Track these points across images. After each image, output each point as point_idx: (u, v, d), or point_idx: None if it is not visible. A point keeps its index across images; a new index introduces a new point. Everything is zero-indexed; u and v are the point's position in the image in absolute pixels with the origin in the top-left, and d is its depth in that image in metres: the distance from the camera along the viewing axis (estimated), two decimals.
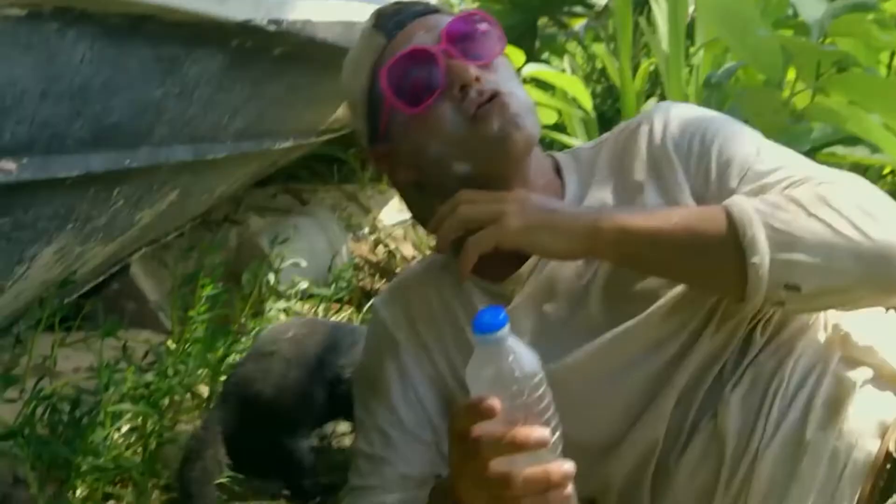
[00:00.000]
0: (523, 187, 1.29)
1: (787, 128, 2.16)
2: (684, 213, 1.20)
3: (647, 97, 3.95)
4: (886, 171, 3.17)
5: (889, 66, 3.03)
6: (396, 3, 1.39)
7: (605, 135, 1.45)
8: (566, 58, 4.49)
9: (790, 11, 2.80)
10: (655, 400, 1.27)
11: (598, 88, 5.01)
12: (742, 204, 1.14)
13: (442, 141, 1.28)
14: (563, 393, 1.08)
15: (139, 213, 1.96)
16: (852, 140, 2.35)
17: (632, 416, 1.28)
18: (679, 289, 1.25)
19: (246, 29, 1.65)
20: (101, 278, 2.42)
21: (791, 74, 2.42)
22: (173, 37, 1.53)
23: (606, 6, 5.62)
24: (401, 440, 1.34)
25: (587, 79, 5.13)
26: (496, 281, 1.34)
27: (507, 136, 1.26)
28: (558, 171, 1.40)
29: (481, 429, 0.99)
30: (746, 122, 2.12)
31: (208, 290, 1.95)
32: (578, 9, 5.65)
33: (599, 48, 4.86)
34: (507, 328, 1.02)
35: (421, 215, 1.41)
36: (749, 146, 1.29)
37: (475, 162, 1.28)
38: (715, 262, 1.16)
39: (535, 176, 1.34)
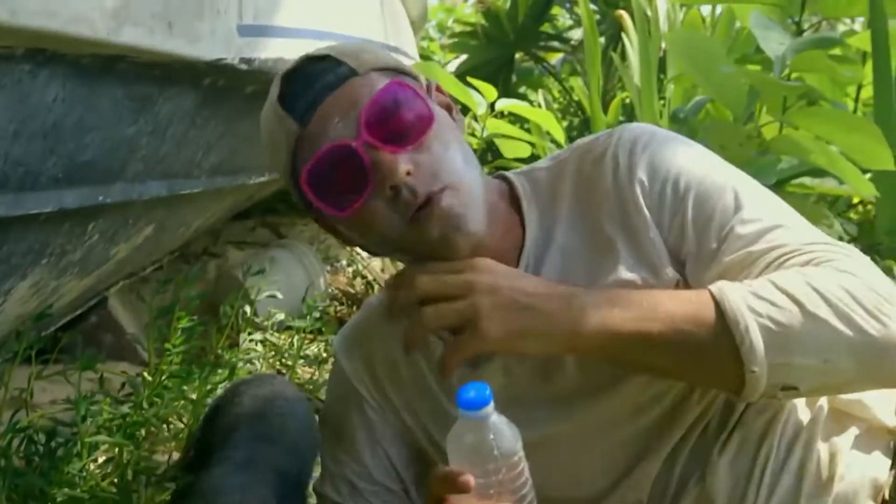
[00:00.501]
0: (479, 248, 1.18)
1: (753, 160, 2.19)
2: (671, 309, 1.06)
3: None
4: (856, 201, 3.23)
5: (856, 100, 3.08)
6: (302, 74, 1.20)
7: (562, 153, 1.33)
8: (540, 92, 4.54)
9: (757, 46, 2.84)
10: (639, 462, 1.24)
11: (575, 121, 5.06)
12: (735, 301, 1.03)
13: (379, 235, 1.19)
14: (543, 453, 1.09)
15: (115, 247, 1.97)
16: (819, 172, 2.39)
17: (615, 476, 1.25)
18: None
19: (217, 68, 1.65)
20: (78, 311, 2.42)
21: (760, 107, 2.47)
22: (145, 76, 1.54)
23: (582, 41, 5.70)
24: (369, 491, 1.33)
25: (563, 111, 5.19)
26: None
27: (448, 242, 1.15)
28: (514, 198, 1.30)
29: (454, 501, 1.00)
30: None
31: (184, 323, 1.95)
32: (555, 43, 5.72)
33: (575, 81, 4.92)
34: (491, 406, 1.01)
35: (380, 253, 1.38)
36: (727, 196, 1.18)
37: (417, 255, 1.19)
38: (709, 367, 1.08)
39: (490, 230, 1.20)
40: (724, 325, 1.03)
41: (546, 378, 1.24)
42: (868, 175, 2.49)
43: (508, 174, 1.34)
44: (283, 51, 1.87)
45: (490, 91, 2.82)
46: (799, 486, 1.18)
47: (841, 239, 2.44)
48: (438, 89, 1.27)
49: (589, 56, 3.47)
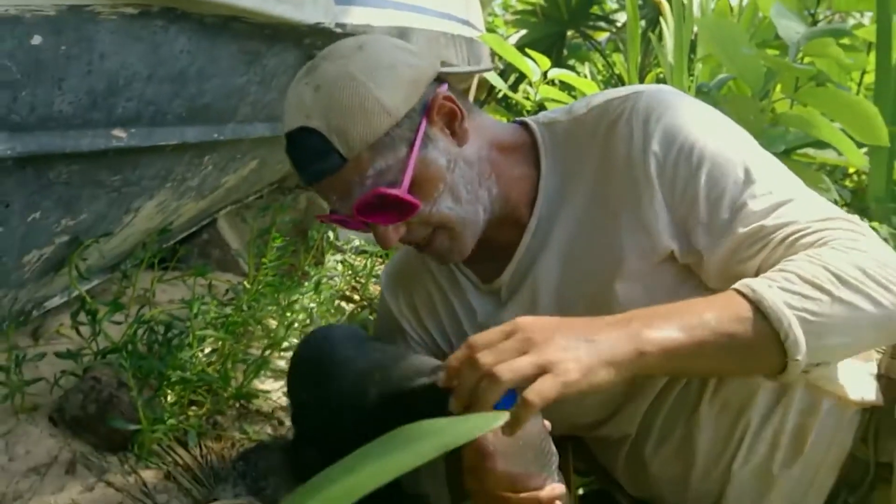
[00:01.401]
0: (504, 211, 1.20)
1: (764, 131, 2.15)
2: (717, 316, 0.97)
3: None
4: (852, 170, 3.16)
5: (859, 84, 3.00)
6: (298, 151, 1.12)
7: (579, 108, 1.23)
8: (587, 64, 4.46)
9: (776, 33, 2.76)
10: (627, 402, 1.22)
11: None
12: (773, 300, 0.96)
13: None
14: None
15: (225, 177, 2.00)
16: (822, 144, 2.34)
17: (609, 411, 1.25)
18: None
19: (316, 30, 1.65)
20: (193, 229, 2.46)
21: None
22: (256, 35, 1.55)
23: (625, 23, 5.60)
24: None
25: (606, 82, 5.11)
26: (485, 281, 1.27)
27: (447, 263, 1.24)
28: (533, 144, 1.23)
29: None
30: None
31: (278, 242, 1.98)
32: (602, 24, 5.62)
33: (618, 57, 4.84)
34: None
35: None
36: (739, 170, 1.10)
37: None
38: (754, 360, 1.01)
39: (509, 191, 1.20)
40: (766, 324, 0.97)
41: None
42: (864, 149, 2.44)
43: (530, 121, 1.26)
44: (371, 18, 1.87)
45: (544, 61, 2.79)
46: (772, 453, 1.16)
47: (836, 203, 2.41)
48: (447, 98, 1.15)
49: (630, 36, 3.41)
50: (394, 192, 1.09)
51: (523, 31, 5.25)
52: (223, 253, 2.50)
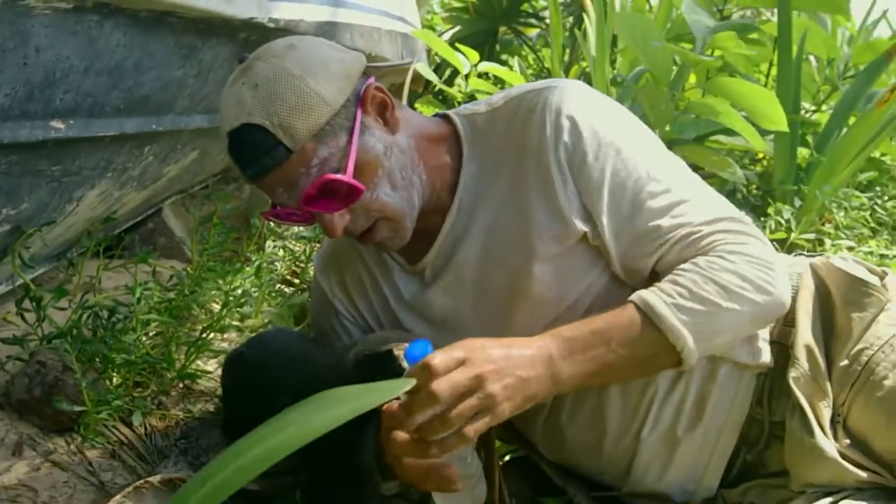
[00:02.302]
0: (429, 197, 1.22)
1: (675, 118, 2.18)
2: (617, 338, 1.06)
3: None
4: (760, 156, 3.23)
5: (767, 76, 3.07)
6: (242, 146, 1.12)
7: (496, 100, 1.26)
8: (516, 58, 4.47)
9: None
10: None
11: None
12: (668, 318, 1.06)
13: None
14: None
15: (167, 167, 1.96)
16: (732, 132, 2.40)
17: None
18: (570, 298, 1.18)
19: (249, 25, 1.63)
20: (139, 218, 2.42)
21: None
22: (191, 29, 1.53)
23: None
24: None
25: (536, 76, 5.13)
26: (411, 262, 1.28)
27: (387, 252, 1.25)
28: (454, 136, 1.25)
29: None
30: (643, 114, 2.16)
31: (218, 229, 1.96)
32: (532, 21, 5.63)
33: (546, 52, 4.86)
34: None
35: None
36: (641, 167, 1.16)
37: None
38: (654, 366, 1.12)
39: (427, 191, 1.22)
40: (663, 338, 1.06)
41: (475, 304, 1.23)
42: (771, 136, 2.51)
43: (451, 113, 1.28)
44: (304, 13, 1.85)
45: (473, 55, 2.79)
46: (677, 419, 1.18)
47: (744, 185, 2.47)
48: (378, 89, 1.17)
49: (553, 31, 3.43)
50: (340, 177, 1.10)
51: (458, 28, 5.24)
52: (168, 240, 2.46)
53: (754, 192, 2.58)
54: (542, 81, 1.25)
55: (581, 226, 1.15)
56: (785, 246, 2.13)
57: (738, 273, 1.08)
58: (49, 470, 1.41)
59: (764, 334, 1.21)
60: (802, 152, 2.56)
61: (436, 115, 1.32)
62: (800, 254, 1.28)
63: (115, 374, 1.63)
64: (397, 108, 1.20)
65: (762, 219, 2.19)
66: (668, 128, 2.08)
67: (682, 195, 1.16)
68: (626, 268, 1.16)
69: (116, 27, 1.35)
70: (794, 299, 1.20)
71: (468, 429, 0.97)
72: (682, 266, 1.11)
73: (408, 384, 0.61)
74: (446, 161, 1.24)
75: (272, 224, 2.40)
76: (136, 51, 1.43)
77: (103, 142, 1.51)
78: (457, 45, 2.89)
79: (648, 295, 1.08)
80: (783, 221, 2.13)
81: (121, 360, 1.60)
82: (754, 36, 2.69)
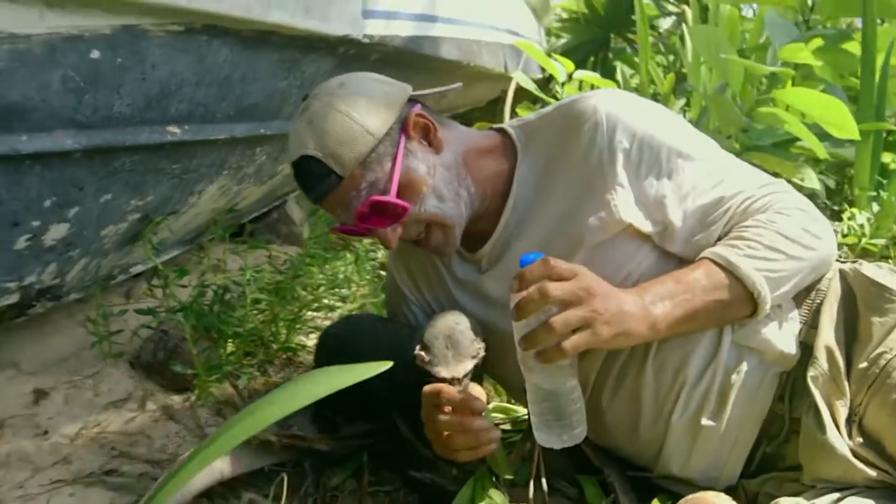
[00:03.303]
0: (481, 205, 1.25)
1: (744, 125, 2.11)
2: (704, 287, 1.09)
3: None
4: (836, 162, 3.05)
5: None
6: (302, 176, 1.19)
7: (548, 109, 1.29)
8: (619, 66, 4.37)
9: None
10: (591, 350, 1.19)
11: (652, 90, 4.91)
12: (745, 267, 1.08)
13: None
14: None
15: (280, 165, 2.07)
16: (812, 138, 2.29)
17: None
18: (617, 280, 1.15)
19: (345, 41, 1.69)
20: (265, 209, 2.55)
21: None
22: (292, 45, 1.60)
23: (666, 28, 5.49)
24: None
25: (641, 82, 5.02)
26: (469, 250, 1.30)
27: (441, 255, 1.27)
28: (509, 145, 1.28)
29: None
30: (702, 114, 2.08)
31: (323, 220, 2.04)
32: None
33: (660, 59, 4.75)
34: None
35: None
36: (690, 152, 1.18)
37: None
38: (732, 314, 1.12)
39: (478, 198, 1.25)
40: (741, 285, 1.09)
41: None
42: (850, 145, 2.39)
43: (505, 125, 1.32)
44: (397, 30, 1.90)
45: (568, 64, 2.77)
46: (703, 405, 1.16)
47: (821, 190, 2.36)
48: (420, 115, 1.21)
49: (641, 44, 3.31)
50: (384, 199, 1.16)
51: (569, 37, 5.18)
52: (289, 229, 2.57)
53: (833, 198, 2.45)
54: (592, 91, 1.27)
55: (626, 217, 1.16)
56: (856, 250, 2.02)
57: (797, 225, 1.12)
58: (164, 422, 1.53)
59: (794, 329, 1.18)
60: (886, 157, 2.41)
61: (490, 128, 1.35)
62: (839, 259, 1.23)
63: (228, 344, 1.73)
64: (442, 128, 1.25)
65: (837, 224, 2.09)
66: (732, 134, 2.01)
67: (730, 170, 1.20)
68: (694, 245, 1.17)
69: (223, 45, 1.44)
70: (820, 303, 1.17)
71: (567, 342, 0.99)
72: (744, 223, 1.14)
73: (383, 366, 0.65)
74: (499, 168, 1.27)
75: None
76: (242, 65, 1.51)
77: (216, 144, 1.61)
78: (552, 54, 2.87)
79: (720, 249, 1.11)
80: (857, 227, 2.02)
81: (231, 332, 1.71)
82: (849, 45, 2.55)
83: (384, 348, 1.30)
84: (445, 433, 1.07)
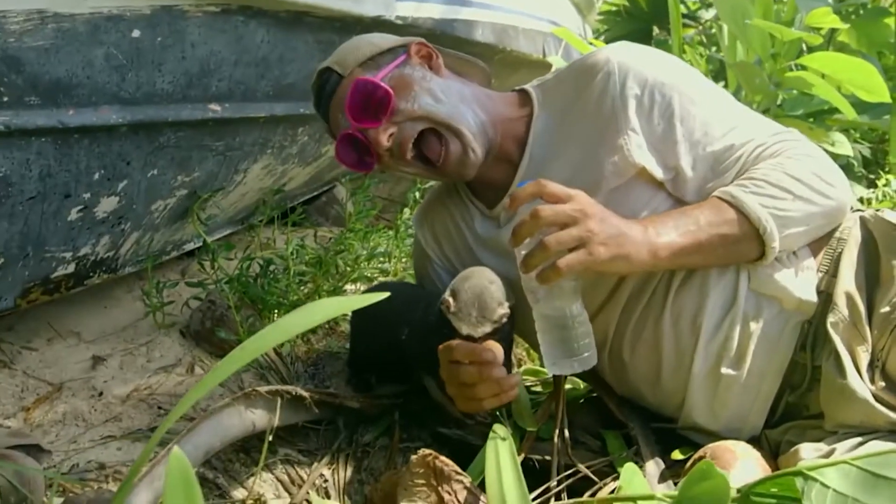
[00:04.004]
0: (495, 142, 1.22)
1: (775, 95, 2.03)
2: (709, 220, 1.06)
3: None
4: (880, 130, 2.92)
5: None
6: (316, 87, 1.25)
7: (563, 68, 1.29)
8: None
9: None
10: (605, 304, 1.21)
11: None
12: (751, 202, 1.05)
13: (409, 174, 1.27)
14: None
15: (324, 146, 2.07)
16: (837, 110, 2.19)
17: (595, 307, 1.20)
18: None
19: (379, 22, 1.68)
20: (316, 192, 2.56)
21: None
22: (327, 27, 1.59)
23: (708, 19, 5.34)
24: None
25: None
26: (489, 207, 1.29)
27: (464, 175, 1.21)
28: (527, 101, 1.27)
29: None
30: (738, 89, 2.01)
31: (362, 197, 2.04)
32: (688, 21, 5.37)
33: (700, 49, 4.63)
34: None
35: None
36: (702, 98, 1.16)
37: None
38: (739, 250, 1.08)
39: (493, 133, 1.22)
40: (747, 221, 1.06)
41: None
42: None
43: (525, 86, 1.31)
44: (430, 11, 1.88)
45: None
46: (721, 354, 1.12)
47: (858, 158, 2.26)
48: (421, 43, 1.24)
49: (674, 27, 3.20)
50: (368, 77, 1.16)
51: (610, 29, 5.08)
52: (338, 211, 2.58)
53: (869, 166, 2.34)
54: (602, 47, 1.25)
55: (640, 161, 1.14)
56: None
57: (807, 169, 1.09)
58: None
59: (812, 277, 1.13)
60: None
61: (511, 90, 1.33)
62: (855, 209, 1.17)
63: (269, 314, 1.74)
64: (463, 77, 1.27)
65: (872, 190, 1.99)
66: (759, 101, 1.94)
67: (743, 118, 1.17)
68: (707, 192, 1.13)
69: (260, 26, 1.44)
70: (841, 252, 1.12)
71: (561, 261, 0.97)
72: (755, 166, 1.11)
73: (380, 296, 0.63)
74: (517, 115, 1.25)
75: (417, 196, 2.45)
76: (280, 45, 1.51)
77: (258, 122, 1.62)
78: (592, 41, 2.81)
79: (728, 187, 1.08)
80: (892, 192, 1.93)
81: (275, 301, 1.72)
82: (890, 21, 2.43)
83: (411, 307, 1.30)
84: (467, 386, 1.05)
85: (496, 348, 1.03)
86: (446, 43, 2.09)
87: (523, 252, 1.03)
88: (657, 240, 1.03)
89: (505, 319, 1.08)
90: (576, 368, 1.04)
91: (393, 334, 1.32)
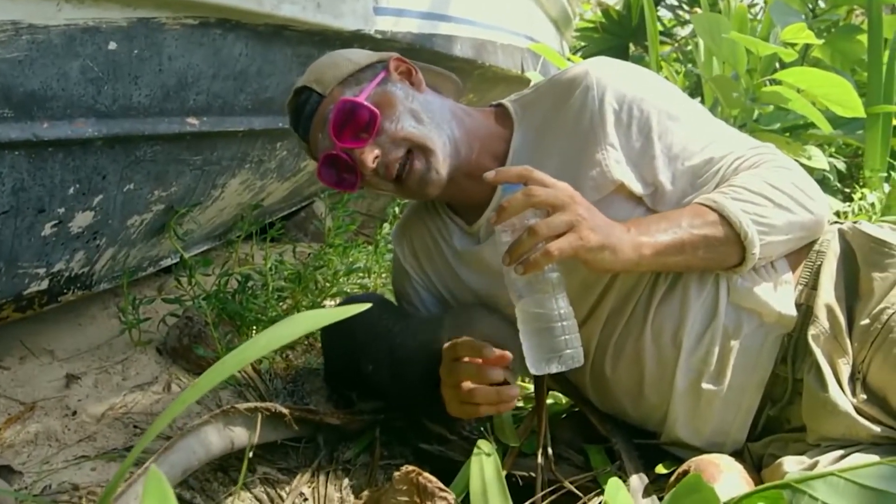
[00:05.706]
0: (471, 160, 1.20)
1: (748, 107, 2.05)
2: (691, 222, 1.06)
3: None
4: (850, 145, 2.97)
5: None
6: (293, 107, 1.24)
7: (542, 82, 1.27)
8: None
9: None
10: (590, 318, 1.21)
11: None
12: (732, 208, 1.05)
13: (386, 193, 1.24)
14: None
15: (303, 161, 2.05)
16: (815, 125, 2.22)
17: (582, 317, 1.20)
18: None
19: (358, 36, 1.67)
20: (294, 208, 2.54)
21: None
22: (306, 40, 1.58)
23: (685, 36, 5.42)
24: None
25: None
26: (468, 223, 1.29)
27: (425, 195, 1.19)
28: (507, 116, 1.26)
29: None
30: (714, 104, 2.03)
31: (341, 213, 2.03)
32: (664, 38, 5.43)
33: (676, 67, 4.68)
34: None
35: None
36: (679, 114, 1.16)
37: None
38: (719, 255, 1.08)
39: (466, 151, 1.21)
40: (728, 226, 1.06)
41: None
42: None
43: (503, 101, 1.30)
44: (409, 26, 1.88)
45: None
46: (702, 369, 1.12)
47: (830, 172, 2.29)
48: (399, 59, 1.23)
49: (651, 43, 3.23)
50: (353, 98, 1.15)
51: (587, 45, 5.13)
52: (317, 227, 2.56)
53: (844, 180, 2.37)
54: (580, 62, 1.26)
55: (618, 176, 1.13)
56: None
57: (786, 179, 1.10)
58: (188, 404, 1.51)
59: (791, 290, 1.13)
60: None
61: (489, 105, 1.33)
62: (834, 222, 1.18)
63: (250, 330, 1.71)
64: (440, 93, 1.26)
65: (848, 203, 2.02)
66: (737, 115, 1.96)
67: (722, 133, 1.18)
68: (685, 202, 1.14)
69: (238, 39, 1.43)
70: (821, 264, 1.12)
71: (553, 244, 0.96)
72: (737, 176, 1.12)
73: (362, 307, 0.62)
74: (495, 132, 1.24)
75: (397, 211, 2.45)
76: (258, 59, 1.50)
77: (236, 136, 1.60)
78: (570, 56, 2.83)
79: (711, 194, 1.09)
80: (868, 206, 1.95)
81: (253, 318, 1.70)
82: (862, 38, 2.47)
83: (376, 340, 1.29)
84: (466, 388, 1.04)
85: (502, 351, 1.03)
86: (426, 57, 2.10)
87: (505, 238, 1.01)
88: (640, 238, 1.03)
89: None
90: (559, 368, 1.01)
91: (357, 366, 1.32)
